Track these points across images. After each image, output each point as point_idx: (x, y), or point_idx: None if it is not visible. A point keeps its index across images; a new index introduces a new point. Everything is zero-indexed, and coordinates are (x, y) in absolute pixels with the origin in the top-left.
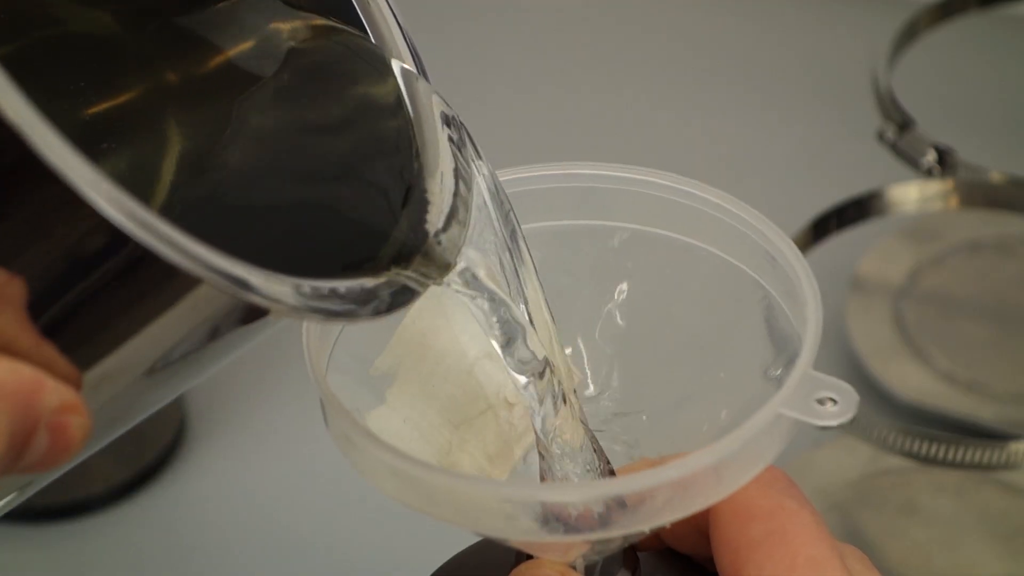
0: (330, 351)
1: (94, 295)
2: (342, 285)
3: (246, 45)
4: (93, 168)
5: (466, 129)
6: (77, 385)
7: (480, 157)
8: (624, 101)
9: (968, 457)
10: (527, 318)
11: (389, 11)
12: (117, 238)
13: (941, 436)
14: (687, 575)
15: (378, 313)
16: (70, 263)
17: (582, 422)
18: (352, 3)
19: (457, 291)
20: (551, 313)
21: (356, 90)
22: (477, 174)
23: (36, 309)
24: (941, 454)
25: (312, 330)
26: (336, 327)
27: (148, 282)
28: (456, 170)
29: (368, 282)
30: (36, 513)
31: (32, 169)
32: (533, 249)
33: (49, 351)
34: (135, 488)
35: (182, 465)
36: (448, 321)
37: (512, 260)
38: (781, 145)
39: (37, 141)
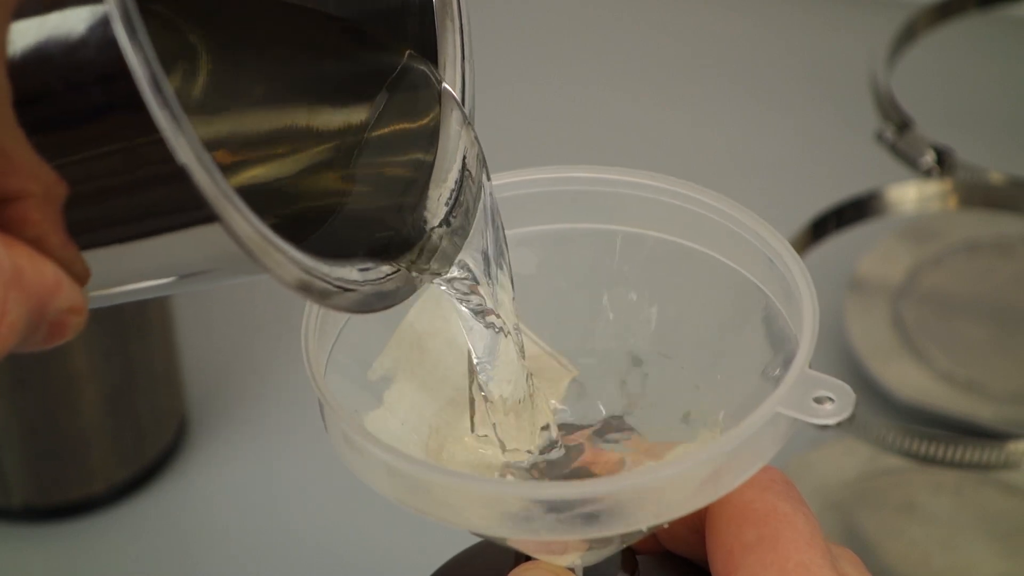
0: (329, 353)
1: (124, 208)
2: (355, 268)
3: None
4: (170, 88)
5: (483, 154)
6: (83, 284)
7: (488, 179)
8: (623, 101)
9: (967, 457)
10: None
11: (460, 43)
12: (164, 160)
13: (940, 436)
14: None
15: (377, 299)
16: (114, 175)
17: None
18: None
19: (444, 289)
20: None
21: (402, 99)
22: (484, 191)
23: (71, 211)
24: (940, 454)
25: (311, 332)
26: (335, 328)
27: (179, 211)
28: (463, 181)
29: (373, 269)
30: (36, 513)
31: (104, 67)
32: (531, 252)
33: (72, 252)
34: (135, 488)
35: (182, 465)
36: (447, 324)
37: (492, 281)
38: (780, 145)
39: (122, 40)
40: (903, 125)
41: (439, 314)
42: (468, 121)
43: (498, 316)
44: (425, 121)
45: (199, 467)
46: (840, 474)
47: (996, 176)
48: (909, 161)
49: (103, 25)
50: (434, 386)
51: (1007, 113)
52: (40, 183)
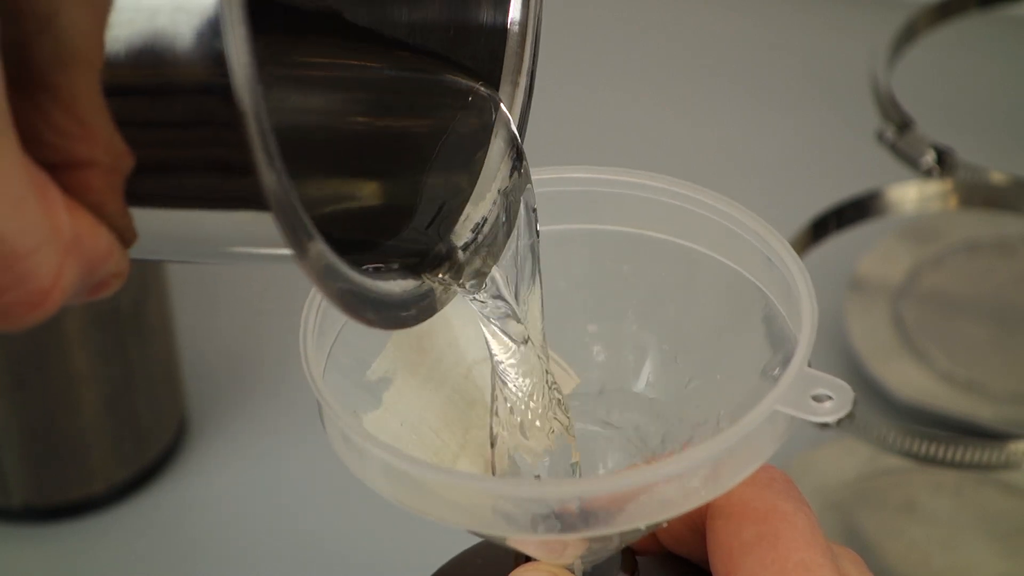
0: (328, 353)
1: (190, 190)
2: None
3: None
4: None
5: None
6: (129, 247)
7: (532, 212)
8: (623, 101)
9: (967, 457)
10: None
11: (529, 69)
12: (239, 144)
13: (940, 436)
14: None
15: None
16: (189, 159)
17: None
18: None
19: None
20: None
21: (457, 112)
22: (523, 211)
23: (133, 182)
24: (940, 454)
25: (310, 332)
26: (334, 329)
27: (234, 195)
28: (503, 203)
29: (406, 283)
30: (36, 513)
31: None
32: None
33: (127, 221)
34: (135, 488)
35: (182, 465)
36: (446, 324)
37: (518, 292)
38: (780, 145)
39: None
40: (903, 125)
41: (438, 315)
42: (518, 153)
43: (525, 331)
44: (475, 144)
45: (199, 467)
46: (840, 474)
47: (996, 176)
48: (909, 161)
49: (210, 23)
50: (433, 387)
51: (1007, 113)
52: (111, 153)
